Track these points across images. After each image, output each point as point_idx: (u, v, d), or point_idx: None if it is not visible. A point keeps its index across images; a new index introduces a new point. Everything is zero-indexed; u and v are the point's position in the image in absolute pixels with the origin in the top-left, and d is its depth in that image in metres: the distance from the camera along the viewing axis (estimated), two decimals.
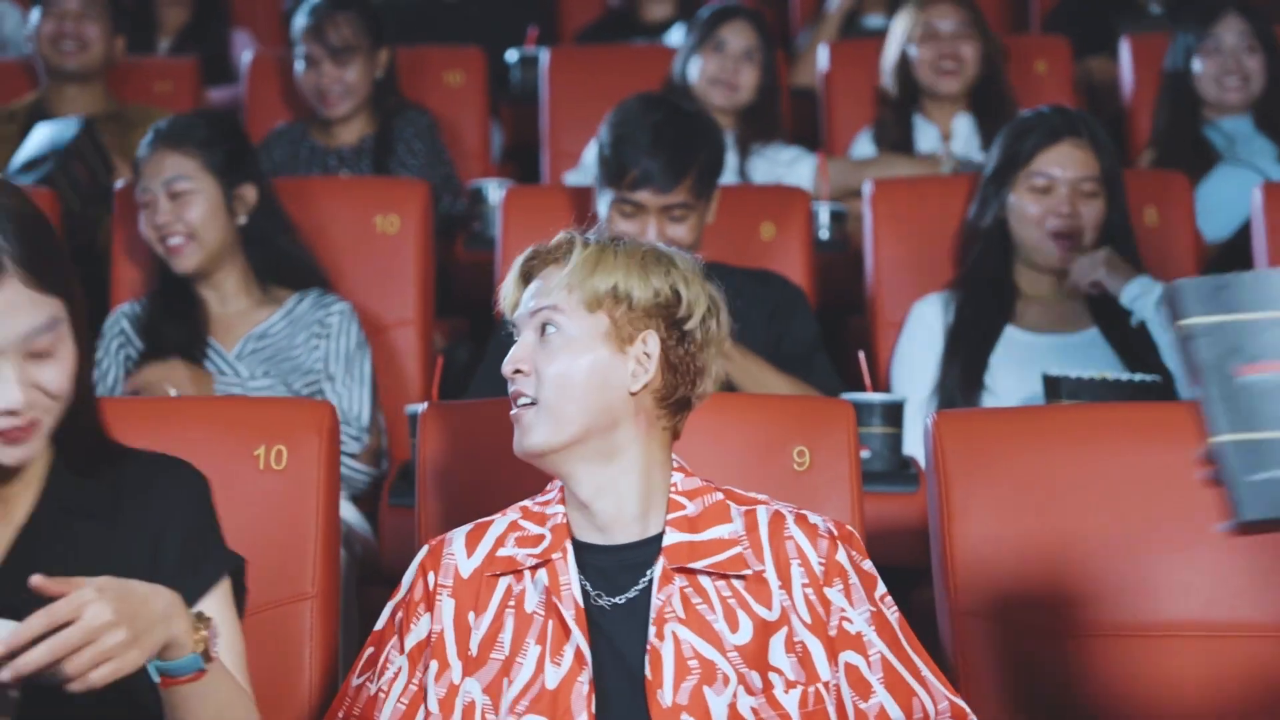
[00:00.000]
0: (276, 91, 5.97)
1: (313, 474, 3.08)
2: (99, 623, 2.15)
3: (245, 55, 6.27)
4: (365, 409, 4.23)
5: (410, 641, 2.67)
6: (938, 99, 5.66)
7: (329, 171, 5.54)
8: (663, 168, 4.19)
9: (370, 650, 2.71)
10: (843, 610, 2.62)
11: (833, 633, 2.61)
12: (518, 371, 2.65)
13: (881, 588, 2.68)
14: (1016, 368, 4.17)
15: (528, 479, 2.98)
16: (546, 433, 2.63)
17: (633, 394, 2.65)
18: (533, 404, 2.64)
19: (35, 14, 5.66)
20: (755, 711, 2.55)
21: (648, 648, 2.58)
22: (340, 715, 2.68)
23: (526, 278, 2.75)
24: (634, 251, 2.69)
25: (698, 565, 2.61)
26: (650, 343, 2.66)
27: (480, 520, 2.74)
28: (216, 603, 2.48)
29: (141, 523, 2.45)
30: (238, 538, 2.92)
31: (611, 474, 2.66)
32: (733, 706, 2.55)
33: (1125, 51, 6.07)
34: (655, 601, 2.60)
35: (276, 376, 4.22)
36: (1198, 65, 5.57)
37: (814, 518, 2.69)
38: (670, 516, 2.65)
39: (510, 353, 2.67)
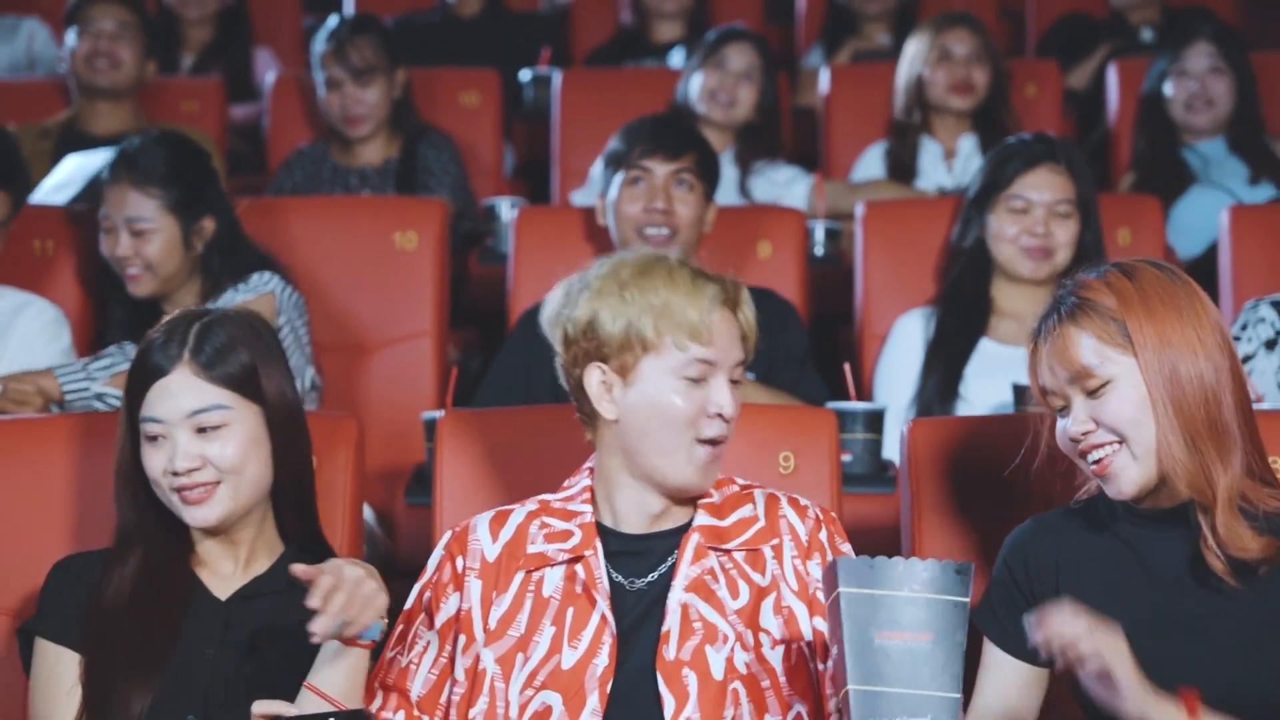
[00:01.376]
0: (298, 111, 6.15)
1: (341, 481, 3.33)
2: (356, 577, 2.74)
3: (268, 75, 6.44)
4: None
5: (440, 619, 2.93)
6: (945, 119, 5.86)
7: (350, 191, 5.72)
8: (668, 136, 4.57)
9: (400, 627, 2.97)
10: (818, 582, 2.88)
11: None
12: (733, 419, 2.89)
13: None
14: (990, 377, 4.39)
15: (535, 479, 3.29)
16: (716, 475, 2.91)
17: None
18: (719, 444, 2.87)
19: (71, 34, 5.80)
20: (748, 665, 2.83)
21: (664, 613, 2.84)
22: (376, 684, 2.93)
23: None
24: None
25: (730, 545, 2.90)
26: None
27: (500, 508, 2.98)
28: (344, 659, 2.88)
29: None
30: None
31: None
32: (729, 661, 2.82)
33: (1112, 76, 6.23)
34: (688, 574, 2.86)
35: None
36: (1169, 89, 5.77)
37: (804, 500, 2.98)
38: (702, 502, 2.93)
39: (727, 397, 2.87)
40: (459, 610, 2.92)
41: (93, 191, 5.16)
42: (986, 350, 4.50)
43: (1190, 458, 2.80)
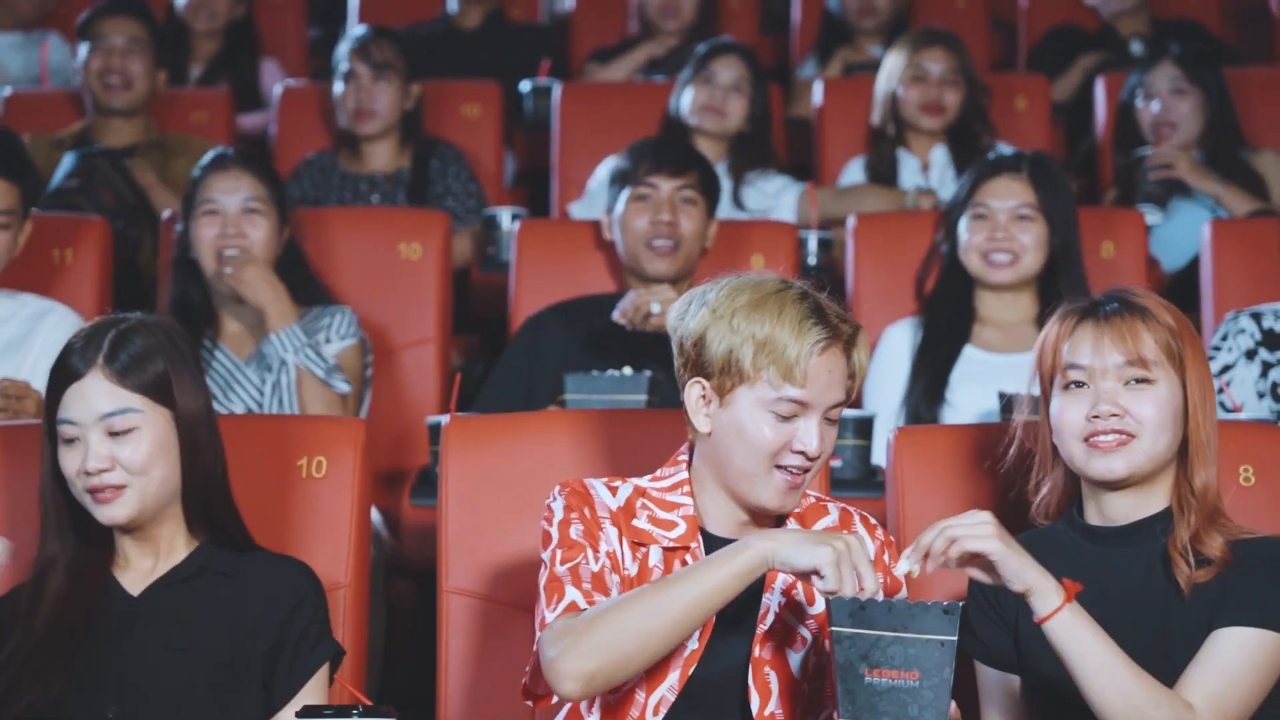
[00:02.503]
0: (306, 121, 6.24)
1: (348, 481, 3.45)
2: None
3: (276, 87, 6.54)
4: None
5: (604, 549, 2.97)
6: (919, 133, 5.98)
7: (360, 197, 5.83)
8: (673, 155, 4.73)
9: (559, 553, 2.95)
10: None
11: None
12: (816, 457, 2.96)
13: (904, 594, 3.07)
14: (974, 384, 4.52)
15: (536, 481, 3.41)
16: (798, 499, 2.98)
17: None
18: (803, 475, 2.95)
19: (83, 49, 5.90)
20: (815, 668, 2.97)
21: (759, 613, 2.97)
22: (579, 594, 2.92)
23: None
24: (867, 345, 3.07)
25: None
26: None
27: (603, 479, 3.06)
28: (317, 682, 3.09)
29: (268, 586, 3.10)
30: (283, 537, 3.36)
31: None
32: (804, 662, 2.97)
33: (1100, 90, 6.33)
34: (785, 578, 2.98)
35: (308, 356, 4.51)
36: (1138, 105, 5.90)
37: (874, 520, 3.11)
38: (792, 513, 3.04)
39: (816, 437, 2.94)
40: (612, 549, 2.98)
41: (93, 191, 5.33)
42: (971, 357, 4.62)
43: (1180, 469, 3.06)
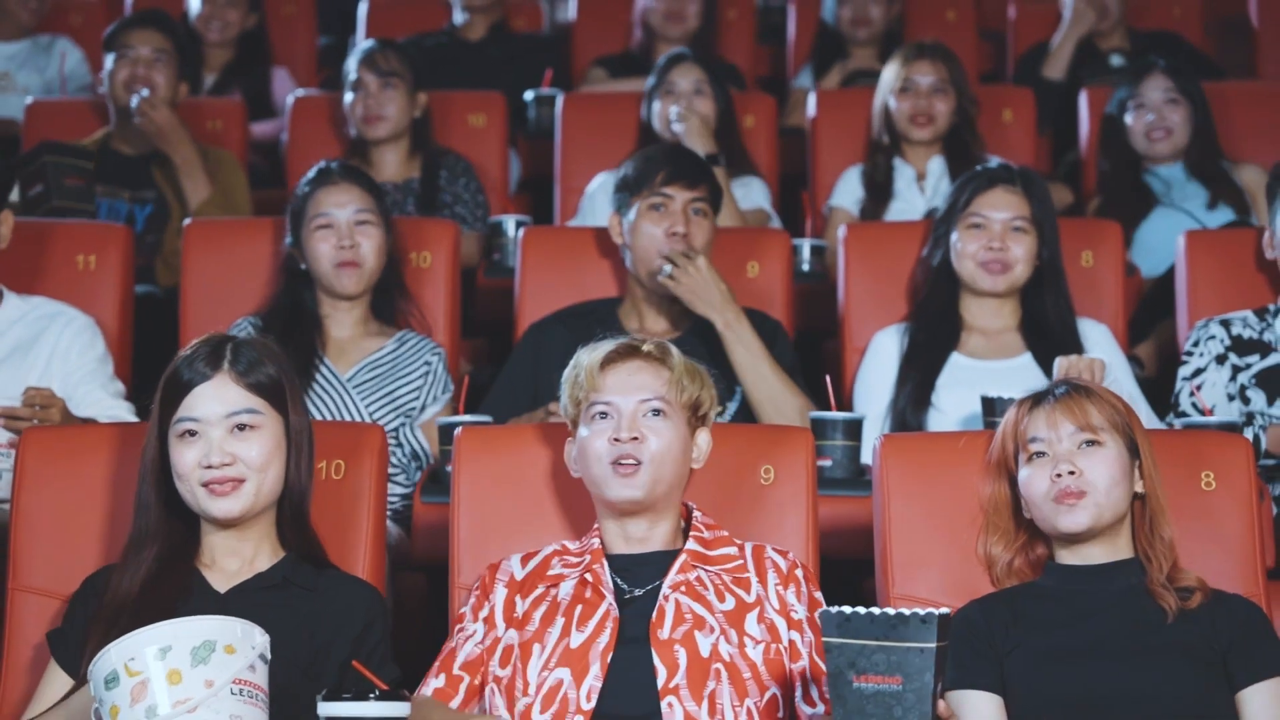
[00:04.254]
0: (318, 130, 6.34)
1: (366, 484, 3.65)
2: None
3: (288, 97, 6.64)
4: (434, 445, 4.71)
5: (481, 614, 3.44)
6: (913, 144, 6.10)
7: None
8: (688, 165, 4.86)
9: (454, 630, 3.49)
10: (793, 606, 3.42)
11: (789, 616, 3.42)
12: (634, 438, 3.41)
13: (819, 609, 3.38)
14: (960, 389, 4.65)
15: (542, 486, 3.64)
16: (646, 488, 3.43)
17: (692, 470, 3.50)
18: (637, 465, 3.40)
19: (109, 58, 6.00)
20: (730, 655, 3.35)
21: (657, 605, 3.37)
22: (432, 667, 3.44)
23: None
24: (696, 370, 3.52)
25: (712, 568, 3.44)
26: (704, 439, 3.52)
27: (529, 551, 3.50)
28: None
29: (343, 604, 3.33)
30: None
31: (669, 517, 3.48)
32: (714, 646, 3.34)
33: (1083, 102, 6.44)
34: (675, 578, 3.41)
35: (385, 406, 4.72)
36: (1129, 119, 6.03)
37: (786, 549, 3.53)
38: (693, 534, 3.47)
39: (627, 423, 3.43)
40: (491, 609, 3.44)
41: (56, 185, 5.38)
42: (957, 363, 4.74)
43: (1140, 525, 3.48)
